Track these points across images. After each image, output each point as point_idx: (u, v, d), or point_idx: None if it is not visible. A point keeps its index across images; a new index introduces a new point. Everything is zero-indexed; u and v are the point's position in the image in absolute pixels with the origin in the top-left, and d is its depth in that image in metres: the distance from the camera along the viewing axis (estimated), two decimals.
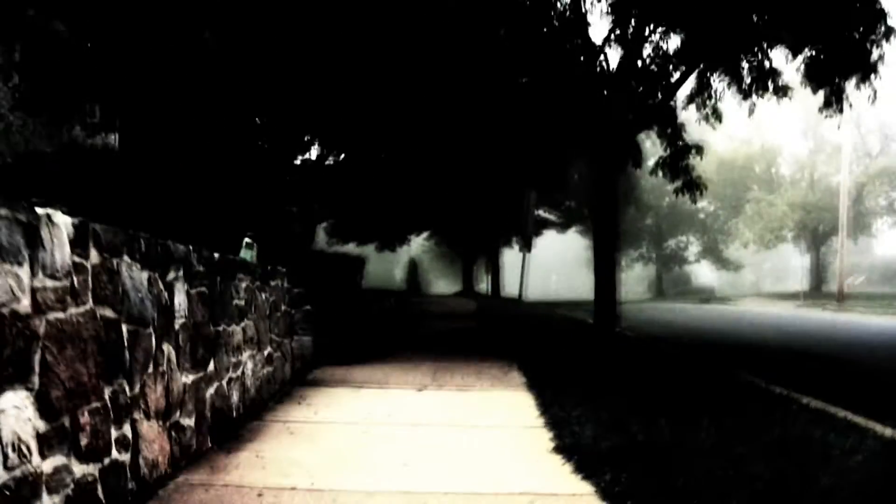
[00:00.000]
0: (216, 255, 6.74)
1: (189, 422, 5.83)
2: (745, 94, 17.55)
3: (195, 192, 22.22)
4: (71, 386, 3.94)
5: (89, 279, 4.24)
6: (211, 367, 6.49)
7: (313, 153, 36.17)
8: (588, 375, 10.21)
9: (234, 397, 7.13)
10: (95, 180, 18.42)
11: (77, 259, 4.09)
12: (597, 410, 7.53)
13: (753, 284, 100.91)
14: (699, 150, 17.98)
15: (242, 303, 7.54)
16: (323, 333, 12.23)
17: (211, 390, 6.45)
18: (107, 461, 4.37)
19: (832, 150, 62.67)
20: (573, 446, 6.19)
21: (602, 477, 5.32)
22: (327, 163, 36.54)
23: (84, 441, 4.08)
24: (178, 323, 5.69)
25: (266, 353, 8.44)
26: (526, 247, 25.65)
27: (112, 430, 4.47)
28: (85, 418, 4.11)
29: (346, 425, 7.18)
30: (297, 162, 35.20)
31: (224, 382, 6.85)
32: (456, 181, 36.60)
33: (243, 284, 7.61)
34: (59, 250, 3.90)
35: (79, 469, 4.02)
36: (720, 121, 18.24)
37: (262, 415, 7.57)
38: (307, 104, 28.81)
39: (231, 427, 6.83)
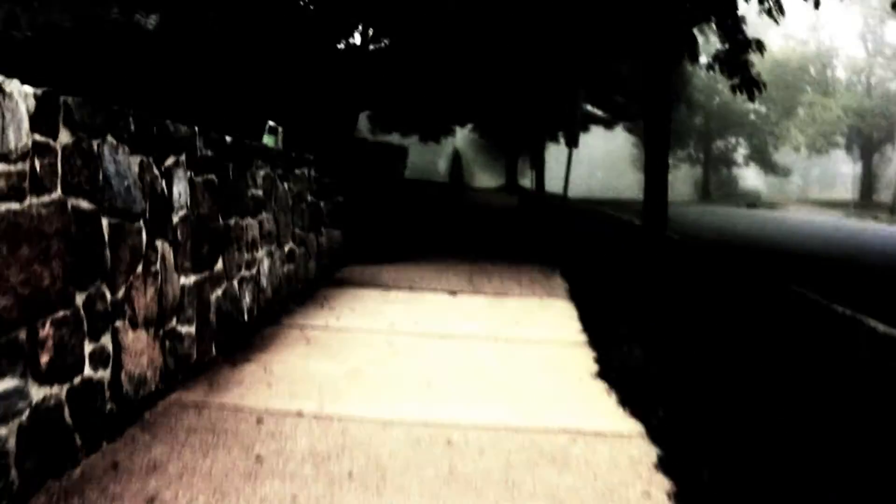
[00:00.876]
0: (228, 138, 6.01)
1: (188, 329, 5.17)
2: None
3: (231, 78, 21.59)
4: (26, 293, 3.25)
5: (58, 163, 3.52)
6: (219, 265, 5.81)
7: (357, 39, 35.37)
8: (637, 285, 9.49)
9: (247, 299, 6.47)
10: (126, 61, 17.79)
11: (40, 138, 3.36)
12: (646, 329, 6.81)
13: (801, 190, 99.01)
14: (759, 45, 16.82)
15: (260, 193, 6.83)
16: (357, 227, 11.58)
17: (218, 292, 5.78)
18: (77, 380, 3.71)
19: (892, 55, 60.55)
20: (620, 372, 5.48)
21: (654, 414, 4.60)
22: (371, 48, 35.65)
23: (45, 358, 3.41)
24: (177, 216, 5.00)
25: (287, 249, 7.76)
26: (572, 142, 24.56)
27: (86, 344, 3.80)
28: (46, 331, 3.43)
29: (370, 333, 6.51)
30: (341, 47, 34.46)
31: (235, 283, 6.18)
32: (502, 73, 35.54)
33: (261, 173, 6.89)
34: (14, 127, 3.17)
35: (38, 392, 3.35)
36: (783, 14, 17.04)
37: (280, 318, 6.92)
38: None
39: (241, 334, 6.18)
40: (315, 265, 8.99)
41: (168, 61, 23.70)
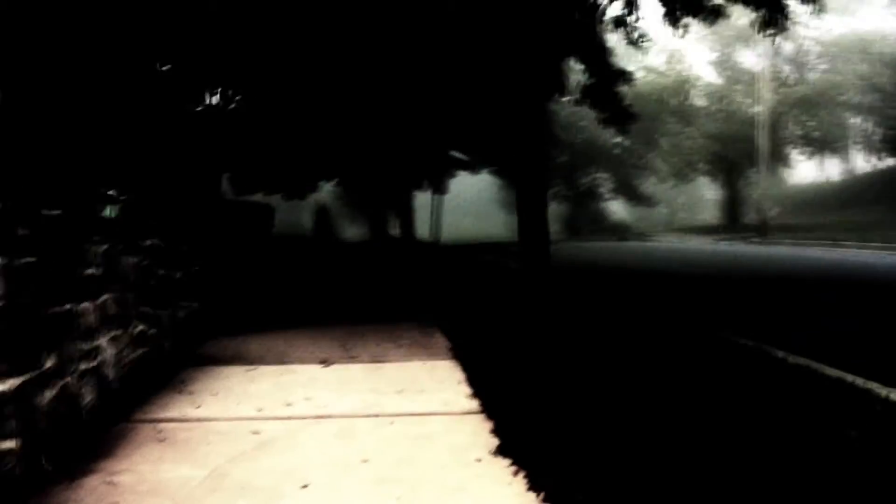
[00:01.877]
0: (53, 211, 5.19)
1: (8, 445, 4.31)
2: (673, 19, 16.19)
3: (81, 151, 20.47)
4: None
5: None
6: (50, 362, 4.96)
7: (215, 100, 34.45)
8: (524, 335, 8.90)
9: (89, 396, 5.61)
10: None
11: None
12: (541, 386, 6.19)
13: (667, 219, 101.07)
14: (627, 77, 16.68)
15: (98, 272, 6.00)
16: (222, 295, 10.75)
17: (49, 394, 4.92)
18: None
19: (748, 81, 62.21)
20: (523, 446, 4.81)
21: (572, 501, 3.95)
22: (230, 108, 34.76)
23: None
24: None
25: (136, 331, 6.89)
26: (440, 190, 24.22)
27: None
28: None
29: (234, 423, 5.71)
30: (200, 109, 33.50)
31: (72, 379, 5.33)
32: (364, 125, 35.09)
33: (99, 249, 6.07)
34: None
35: None
36: (647, 41, 16.95)
37: (131, 412, 6.05)
38: (205, 48, 27.01)
39: (83, 438, 5.31)
40: (172, 344, 8.11)
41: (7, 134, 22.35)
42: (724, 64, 67.19)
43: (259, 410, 6.02)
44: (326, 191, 64.04)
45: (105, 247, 6.18)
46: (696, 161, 61.37)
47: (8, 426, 4.33)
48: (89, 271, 5.81)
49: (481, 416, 5.71)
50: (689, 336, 8.98)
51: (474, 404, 6.04)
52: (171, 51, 27.93)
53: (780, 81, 60.13)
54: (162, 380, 7.17)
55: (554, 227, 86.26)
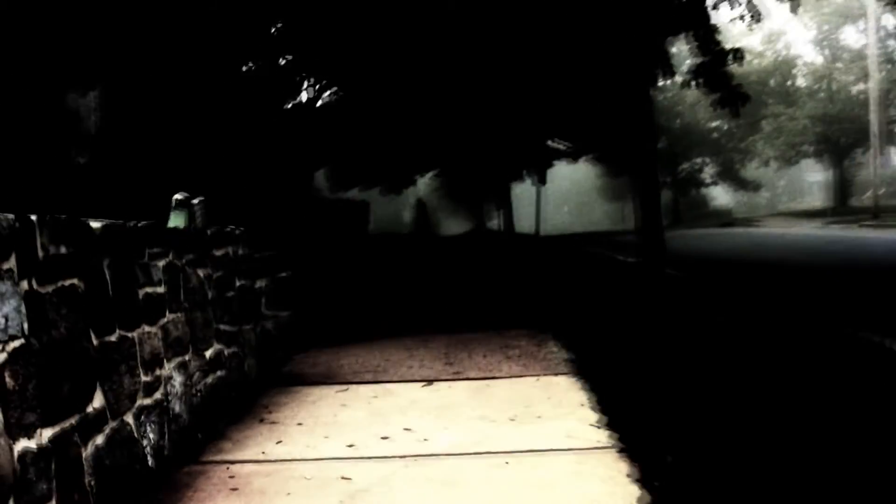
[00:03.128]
0: (96, 224, 4.36)
1: None
2: None
3: (153, 154, 20.14)
4: None
5: None
6: (96, 403, 4.12)
7: (304, 96, 33.94)
8: (654, 343, 7.85)
9: (151, 437, 4.77)
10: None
11: None
12: (695, 415, 5.18)
13: (770, 203, 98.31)
14: (738, 54, 15.43)
15: (160, 290, 5.17)
16: (313, 302, 9.94)
17: (97, 441, 4.09)
18: None
19: (850, 59, 59.67)
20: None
21: None
22: (320, 104, 34.19)
23: None
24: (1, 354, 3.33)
25: (210, 353, 6.06)
26: (541, 180, 23.19)
27: None
28: None
29: (321, 464, 4.81)
30: (290, 106, 33.00)
31: (128, 419, 4.49)
32: (463, 115, 34.19)
33: (161, 263, 5.24)
34: None
35: None
36: (758, 20, 15.67)
37: (202, 450, 5.22)
38: (301, 39, 26.45)
39: (143, 487, 4.48)
40: (255, 363, 7.28)
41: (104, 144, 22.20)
42: (825, 42, 64.53)
43: (350, 447, 5.12)
44: (424, 184, 63.53)
45: (167, 260, 5.35)
46: (799, 143, 58.93)
47: (40, 488, 3.50)
48: (148, 290, 4.98)
49: (614, 454, 4.71)
50: (842, 341, 7.84)
51: (603, 436, 5.05)
52: (261, 48, 27.52)
53: (885, 58, 57.44)
54: (242, 406, 6.34)
55: None
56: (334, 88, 34.11)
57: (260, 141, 27.27)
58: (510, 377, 6.94)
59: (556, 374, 6.91)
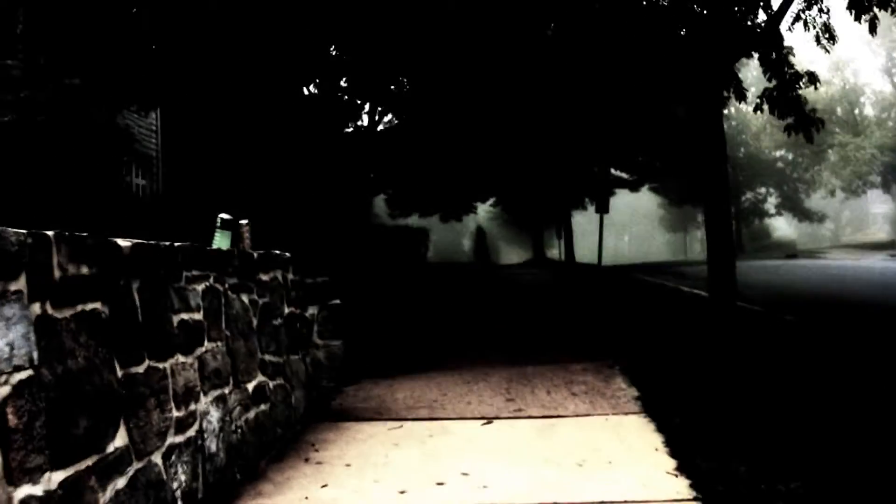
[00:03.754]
0: (125, 243, 3.95)
1: None
2: (860, 8, 14.21)
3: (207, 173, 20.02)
4: None
5: None
6: (117, 442, 3.68)
7: (365, 119, 33.81)
8: (730, 381, 7.25)
9: (182, 478, 4.32)
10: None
11: None
12: (784, 466, 4.61)
13: (833, 235, 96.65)
14: (813, 78, 14.79)
15: (197, 317, 4.74)
16: (366, 331, 9.50)
17: (118, 485, 3.65)
18: None
19: None
20: None
21: None
22: (380, 128, 34.01)
23: None
24: (5, 387, 2.90)
25: (252, 386, 5.60)
26: (603, 208, 22.67)
27: None
28: None
29: None
30: (349, 130, 32.84)
31: (156, 460, 4.05)
32: (523, 141, 33.81)
33: (199, 287, 4.82)
34: None
35: None
36: (833, 41, 14.99)
37: (239, 495, 4.77)
38: (363, 63, 26.30)
39: None
40: (303, 396, 6.82)
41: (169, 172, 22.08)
42: (894, 70, 63.33)
43: (402, 493, 4.63)
44: (484, 211, 63.14)
45: (207, 284, 4.93)
46: (866, 173, 57.66)
47: None
48: (184, 316, 4.55)
49: None
50: None
51: (682, 486, 4.51)
52: (319, 70, 27.34)
53: None
54: (286, 443, 5.90)
55: None
56: (393, 114, 33.95)
57: (318, 164, 27.08)
58: (576, 416, 6.41)
59: (627, 414, 6.37)
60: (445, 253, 74.22)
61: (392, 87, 31.88)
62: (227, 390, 5.09)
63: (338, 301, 8.46)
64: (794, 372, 7.62)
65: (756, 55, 14.75)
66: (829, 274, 26.56)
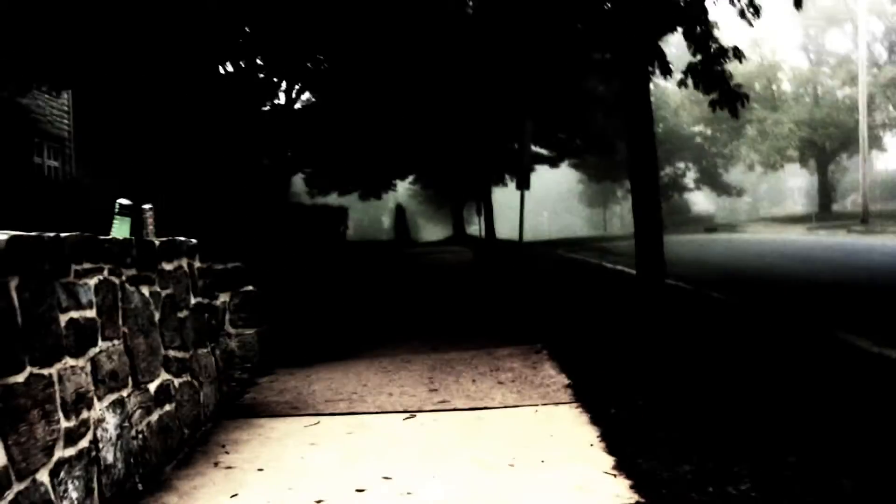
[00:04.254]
0: (2, 236, 3.49)
1: None
2: None
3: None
4: None
5: None
6: None
7: (282, 98, 33.17)
8: (665, 366, 6.96)
9: (74, 495, 3.87)
10: None
11: None
12: (731, 463, 4.32)
13: (751, 209, 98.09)
14: (738, 53, 14.62)
15: (89, 314, 4.29)
16: (283, 317, 9.05)
17: None
18: None
19: (836, 64, 59.32)
20: None
21: None
22: (298, 106, 33.37)
23: None
24: None
25: (156, 386, 5.15)
26: (524, 184, 22.36)
27: None
28: None
29: None
30: (266, 109, 32.16)
31: (42, 477, 3.61)
32: (442, 117, 33.45)
33: (92, 281, 4.37)
34: None
35: None
36: (758, 15, 14.84)
37: None
38: (278, 41, 25.71)
39: None
40: (213, 391, 6.37)
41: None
42: (810, 46, 64.17)
43: (318, 503, 4.25)
44: (404, 189, 62.75)
45: (101, 277, 4.48)
46: (784, 148, 58.24)
47: None
48: (74, 315, 4.10)
49: None
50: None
51: (622, 488, 4.19)
52: (237, 49, 26.69)
53: (871, 62, 56.97)
54: (195, 444, 5.47)
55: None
56: (311, 91, 33.34)
57: (235, 144, 26.44)
58: (504, 407, 6.08)
59: (558, 404, 6.05)
60: (366, 231, 73.79)
61: (309, 64, 31.32)
62: (125, 393, 4.65)
63: (251, 287, 8.03)
64: (729, 353, 7.38)
65: (680, 29, 14.50)
66: (752, 250, 26.61)
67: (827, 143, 57.59)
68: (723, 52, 14.56)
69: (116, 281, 4.70)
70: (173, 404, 5.41)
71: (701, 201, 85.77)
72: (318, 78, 31.53)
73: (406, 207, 64.43)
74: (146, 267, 5.22)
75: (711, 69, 14.52)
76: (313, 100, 34.14)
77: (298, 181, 49.44)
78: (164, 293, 5.49)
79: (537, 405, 6.07)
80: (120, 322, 4.70)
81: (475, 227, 56.92)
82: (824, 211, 57.98)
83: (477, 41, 21.87)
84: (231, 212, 19.98)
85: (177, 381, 5.53)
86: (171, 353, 5.51)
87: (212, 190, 23.42)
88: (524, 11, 16.47)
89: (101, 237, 4.63)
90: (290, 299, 9.69)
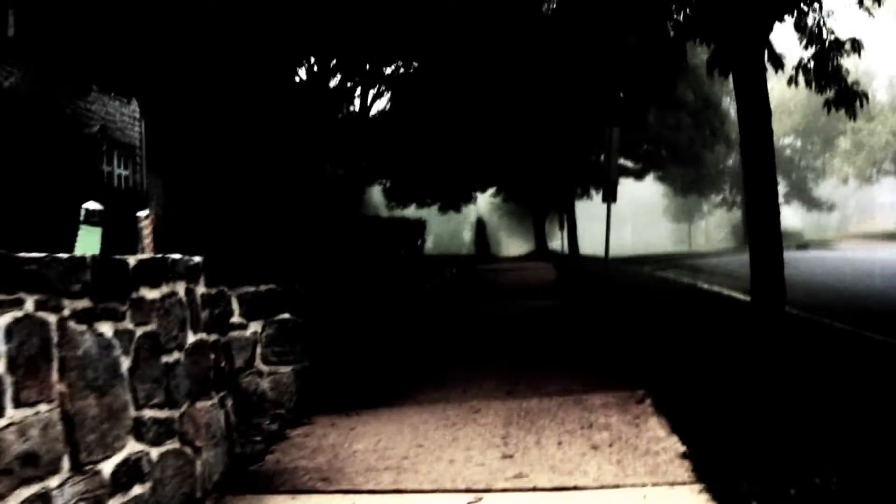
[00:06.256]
0: None
1: None
2: None
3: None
4: None
5: None
6: None
7: (357, 104, 32.06)
8: (812, 429, 5.24)
9: None
10: None
11: None
12: None
13: (840, 225, 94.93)
14: (857, 46, 12.86)
15: None
16: (330, 347, 7.60)
17: None
18: None
19: None
20: None
21: None
22: (372, 114, 32.19)
23: None
24: None
25: (114, 464, 3.67)
26: (610, 196, 20.81)
27: None
28: None
29: None
30: (340, 116, 31.04)
31: None
32: (524, 127, 31.99)
33: (4, 320, 2.95)
34: None
35: None
36: (879, 3, 13.09)
37: None
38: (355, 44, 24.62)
39: None
40: (220, 455, 4.86)
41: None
42: None
43: None
44: (485, 202, 61.36)
45: (17, 314, 3.04)
46: (881, 159, 55.74)
47: None
48: None
49: None
50: None
51: None
52: (311, 51, 25.57)
53: None
54: None
55: (721, 234, 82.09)
56: (387, 98, 32.18)
57: (305, 153, 25.32)
58: (601, 488, 4.51)
59: (673, 485, 4.46)
60: (445, 245, 72.50)
61: (386, 69, 30.21)
62: (54, 482, 3.20)
63: (287, 315, 6.60)
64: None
65: (791, 18, 12.79)
66: (858, 269, 24.29)
67: None
68: (839, 45, 12.81)
69: (50, 319, 3.27)
70: (147, 485, 3.93)
71: (789, 216, 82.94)
72: (395, 83, 30.39)
73: (487, 221, 63.04)
74: (109, 296, 3.77)
75: (826, 64, 12.78)
76: (389, 107, 32.89)
77: (378, 194, 48.37)
78: (139, 332, 4.03)
79: (646, 485, 4.48)
80: (53, 377, 3.27)
81: (557, 242, 55.31)
82: None
83: (561, 41, 20.43)
84: (296, 225, 18.72)
85: (154, 453, 4.05)
86: (148, 413, 4.04)
87: (279, 201, 22.34)
88: (611, 7, 14.96)
89: (23, 255, 3.19)
90: (343, 325, 8.24)
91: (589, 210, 60.91)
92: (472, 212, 60.67)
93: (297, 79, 28.42)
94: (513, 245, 74.54)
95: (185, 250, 4.87)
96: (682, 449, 5.04)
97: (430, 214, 45.74)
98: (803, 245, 53.79)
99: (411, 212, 41.07)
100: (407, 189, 40.73)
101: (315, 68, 28.32)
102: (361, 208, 33.79)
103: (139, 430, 3.93)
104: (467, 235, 75.79)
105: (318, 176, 25.87)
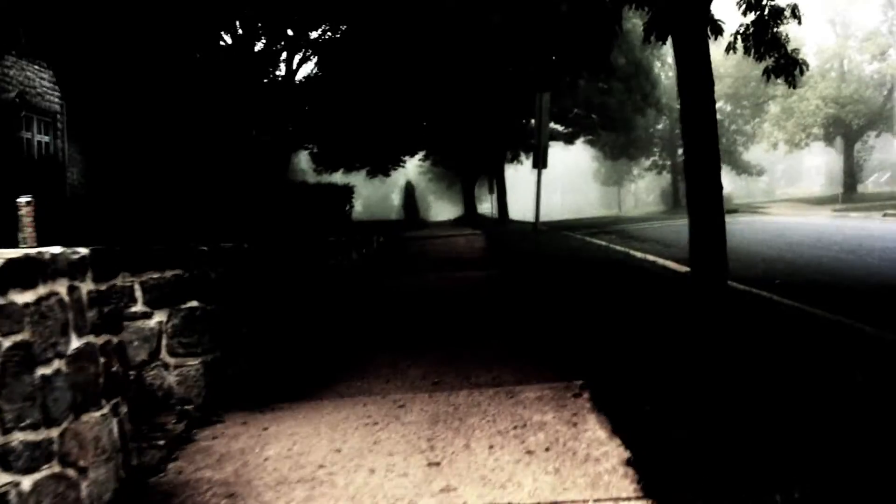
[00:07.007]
0: None
1: None
2: None
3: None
4: None
5: None
6: None
7: (283, 69, 31.44)
8: (773, 426, 4.81)
9: None
10: None
11: None
12: None
13: (768, 189, 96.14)
14: (796, 13, 12.56)
15: None
16: (246, 331, 7.08)
17: None
18: None
19: (864, 37, 57.13)
20: None
21: None
22: (299, 78, 31.51)
23: None
24: None
25: None
26: (541, 162, 20.51)
27: None
28: None
29: None
30: (265, 81, 30.37)
31: None
32: (453, 90, 31.54)
33: None
34: None
35: None
36: None
37: None
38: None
39: None
40: (110, 472, 4.30)
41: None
42: (837, 20, 61.94)
43: None
44: (414, 166, 60.90)
45: None
46: (811, 125, 56.10)
47: None
48: None
49: None
50: None
51: None
52: (236, 14, 24.85)
53: None
54: None
55: (649, 199, 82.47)
56: (313, 62, 31.50)
57: (229, 118, 24.68)
58: (539, 501, 4.08)
59: (617, 501, 4.04)
60: (374, 210, 71.95)
61: (312, 33, 29.57)
62: None
63: (196, 303, 6.08)
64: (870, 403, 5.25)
65: None
66: (789, 236, 24.12)
67: (854, 120, 55.33)
68: (779, 13, 12.52)
69: None
70: None
71: None
72: (321, 48, 29.73)
73: (416, 185, 62.63)
74: None
75: (766, 31, 12.48)
76: (316, 72, 32.20)
77: (305, 159, 47.65)
78: (7, 343, 3.48)
79: (587, 501, 4.05)
80: None
81: (486, 206, 55.07)
82: (849, 192, 55.81)
83: (492, 4, 20.00)
84: (219, 193, 18.11)
85: (26, 482, 3.49)
86: (18, 436, 3.48)
87: (203, 169, 21.69)
88: None
89: None
90: (260, 309, 7.71)
91: (518, 174, 60.75)
92: (401, 176, 60.19)
93: (221, 43, 27.69)
94: (442, 209, 74.32)
95: (104, 223, 4.31)
96: (627, 455, 4.61)
97: (359, 179, 45.19)
98: (733, 210, 53.97)
99: (339, 177, 40.47)
100: (335, 154, 40.04)
101: (240, 32, 27.64)
102: (288, 174, 33.13)
103: (6, 458, 3.38)
104: (396, 200, 75.35)
105: (244, 142, 25.19)
